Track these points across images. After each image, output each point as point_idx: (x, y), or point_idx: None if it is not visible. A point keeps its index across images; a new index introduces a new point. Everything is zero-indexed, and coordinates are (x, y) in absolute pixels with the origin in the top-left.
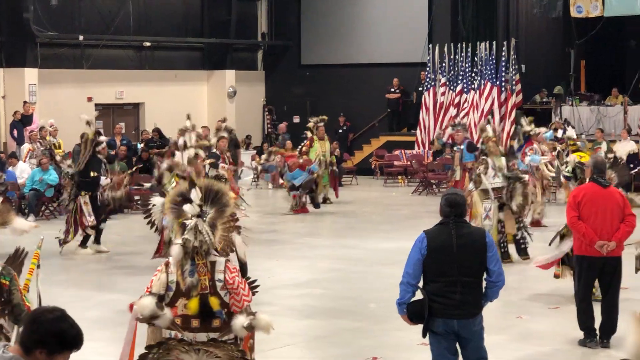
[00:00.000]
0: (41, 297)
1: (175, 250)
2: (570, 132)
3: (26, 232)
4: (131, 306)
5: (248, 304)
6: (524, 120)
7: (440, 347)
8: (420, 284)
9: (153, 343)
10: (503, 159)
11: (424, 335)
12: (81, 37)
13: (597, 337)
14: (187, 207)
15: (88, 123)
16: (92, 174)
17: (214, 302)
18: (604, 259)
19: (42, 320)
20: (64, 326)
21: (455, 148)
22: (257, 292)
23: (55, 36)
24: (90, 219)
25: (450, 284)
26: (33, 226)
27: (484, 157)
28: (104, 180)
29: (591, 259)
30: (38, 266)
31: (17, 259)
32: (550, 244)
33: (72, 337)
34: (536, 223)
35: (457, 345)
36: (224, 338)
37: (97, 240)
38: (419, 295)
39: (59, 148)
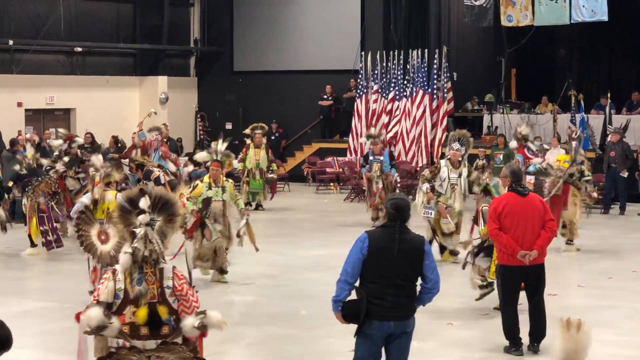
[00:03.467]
0: None
1: (124, 258)
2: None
3: None
4: (77, 316)
5: (197, 310)
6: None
7: (366, 350)
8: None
9: (100, 353)
10: None
11: (356, 334)
12: (11, 42)
13: (522, 345)
14: (140, 217)
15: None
16: None
17: (162, 310)
18: (526, 267)
19: None
20: None
21: (372, 159)
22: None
23: None
24: None
25: (387, 286)
26: None
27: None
28: None
29: (513, 269)
30: None
31: None
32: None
33: (2, 337)
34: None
35: (383, 350)
36: (173, 340)
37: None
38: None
39: None
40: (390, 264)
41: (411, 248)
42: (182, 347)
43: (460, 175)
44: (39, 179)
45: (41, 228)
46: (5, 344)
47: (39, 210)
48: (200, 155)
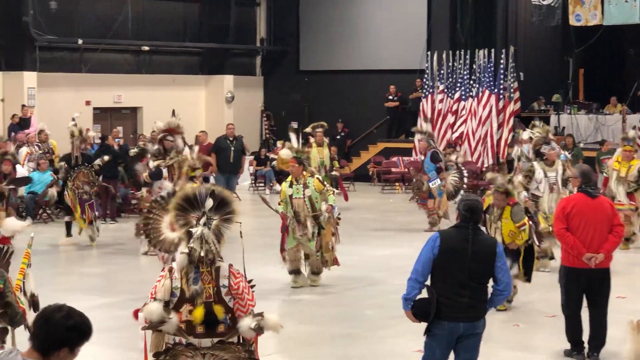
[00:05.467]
0: (36, 296)
1: (180, 258)
2: (632, 133)
3: (18, 233)
4: (135, 313)
5: (252, 309)
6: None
7: (434, 350)
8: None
9: (157, 349)
10: None
11: (426, 334)
12: (80, 41)
13: (585, 350)
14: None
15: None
16: None
17: (218, 310)
18: (590, 270)
19: (55, 321)
20: (76, 320)
21: (420, 158)
22: (253, 292)
23: (54, 40)
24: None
25: (458, 286)
26: (25, 226)
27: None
28: None
29: (577, 271)
30: (29, 265)
31: (2, 259)
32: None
33: (87, 328)
34: None
35: (452, 352)
36: (229, 340)
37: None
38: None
39: (53, 153)
40: (462, 264)
41: (483, 250)
42: (238, 347)
43: (557, 173)
44: (76, 169)
45: (94, 214)
46: (89, 334)
47: (84, 200)
48: (284, 152)
